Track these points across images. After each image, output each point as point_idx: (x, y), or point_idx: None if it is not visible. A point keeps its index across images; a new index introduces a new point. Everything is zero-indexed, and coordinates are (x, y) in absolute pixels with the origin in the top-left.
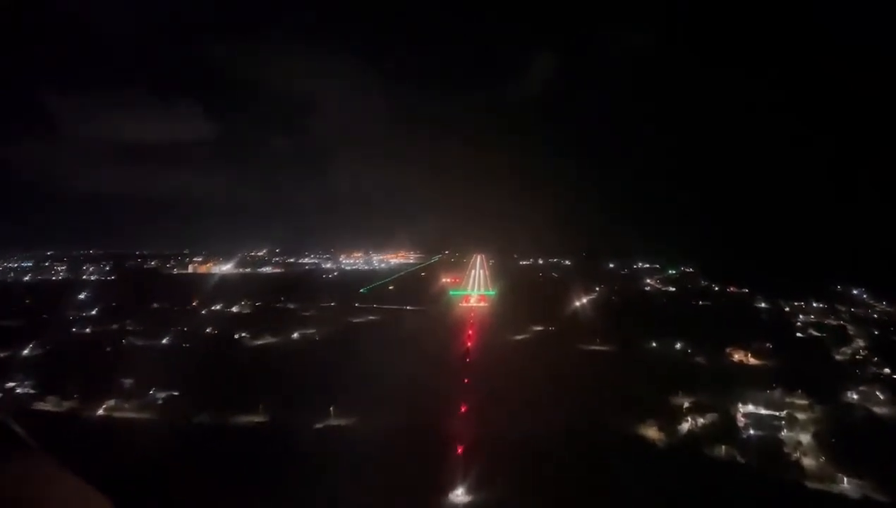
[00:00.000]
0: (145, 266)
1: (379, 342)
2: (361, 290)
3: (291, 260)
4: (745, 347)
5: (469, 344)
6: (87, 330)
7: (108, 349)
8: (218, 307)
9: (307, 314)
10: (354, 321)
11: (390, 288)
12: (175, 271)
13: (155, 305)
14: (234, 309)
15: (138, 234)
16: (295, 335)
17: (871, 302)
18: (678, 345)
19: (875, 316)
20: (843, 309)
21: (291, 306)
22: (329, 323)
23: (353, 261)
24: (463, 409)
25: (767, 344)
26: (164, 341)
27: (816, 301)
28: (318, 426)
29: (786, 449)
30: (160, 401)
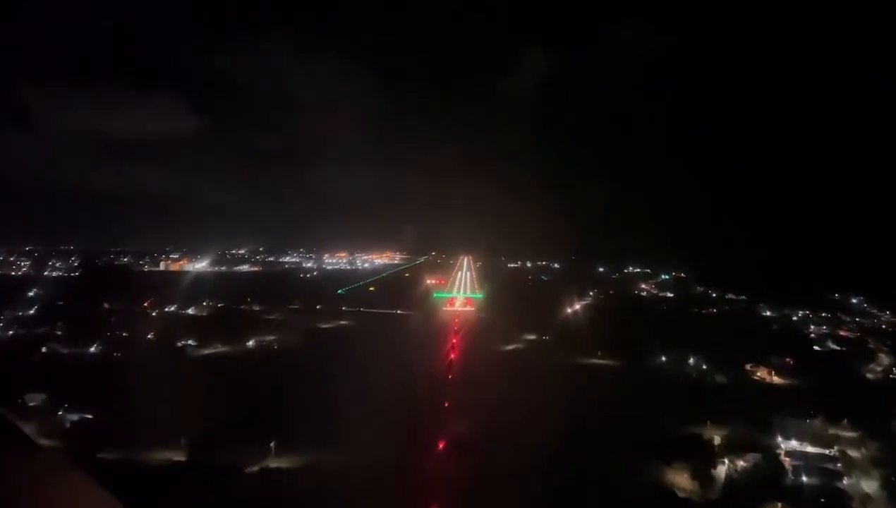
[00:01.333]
0: (117, 262)
1: (346, 353)
2: (339, 292)
3: (273, 259)
4: (766, 363)
5: (452, 356)
6: (10, 332)
7: (24, 356)
8: (172, 308)
9: (271, 317)
10: (323, 326)
11: (370, 289)
12: (146, 268)
13: (105, 305)
14: (191, 311)
15: (124, 231)
16: (250, 343)
17: (874, 311)
18: (691, 360)
19: (884, 326)
20: (849, 318)
21: (256, 308)
22: (294, 328)
23: (336, 261)
24: (440, 447)
25: (788, 360)
26: (94, 349)
27: (818, 309)
28: (252, 469)
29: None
30: (67, 426)
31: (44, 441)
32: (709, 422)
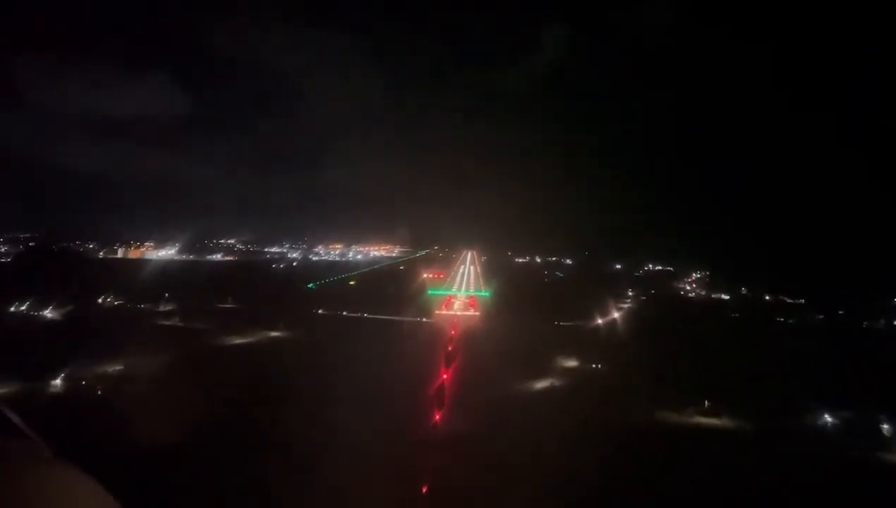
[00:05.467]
0: (76, 249)
1: (229, 411)
2: (309, 286)
3: (257, 248)
4: None
5: (437, 417)
6: None
7: None
8: (24, 307)
9: (170, 323)
10: (239, 342)
11: (350, 283)
12: (101, 255)
13: None
14: (49, 313)
15: (117, 219)
16: (57, 381)
17: None
18: (884, 424)
19: None
20: None
21: (165, 308)
22: (186, 345)
23: (326, 252)
24: None
25: None
26: None
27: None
28: None
29: None
30: None
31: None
32: None
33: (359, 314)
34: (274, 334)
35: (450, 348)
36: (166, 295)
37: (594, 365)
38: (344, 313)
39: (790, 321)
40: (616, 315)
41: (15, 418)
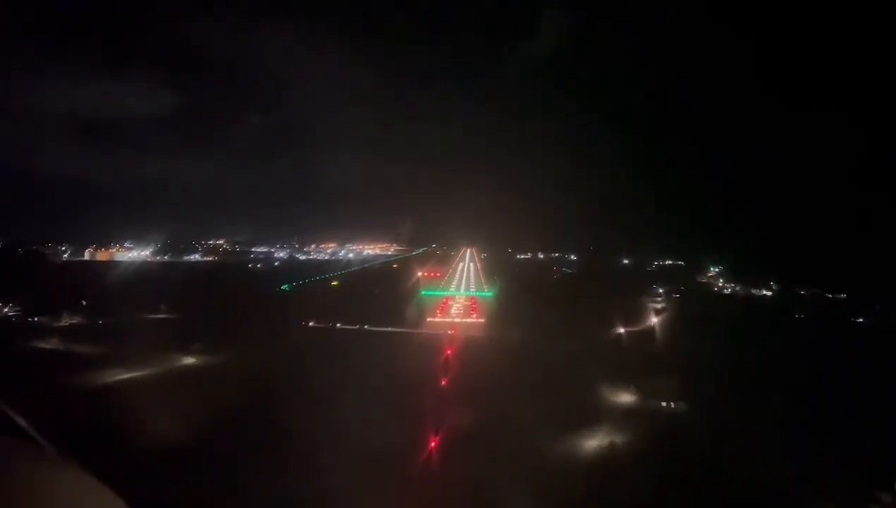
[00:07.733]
0: (38, 252)
1: None
2: (283, 288)
3: (244, 249)
4: None
5: None
6: None
7: None
8: None
9: (42, 346)
10: (120, 378)
11: (333, 284)
12: (64, 258)
13: None
14: None
15: (107, 219)
16: None
17: None
18: None
19: None
20: None
21: (67, 321)
22: (35, 382)
23: (317, 251)
24: None
25: None
26: None
27: None
28: None
29: None
30: None
31: None
32: None
33: (325, 324)
34: (187, 361)
35: (443, 382)
36: (83, 302)
37: (663, 403)
38: (307, 323)
39: (860, 320)
40: (655, 320)
41: (20, 420)
